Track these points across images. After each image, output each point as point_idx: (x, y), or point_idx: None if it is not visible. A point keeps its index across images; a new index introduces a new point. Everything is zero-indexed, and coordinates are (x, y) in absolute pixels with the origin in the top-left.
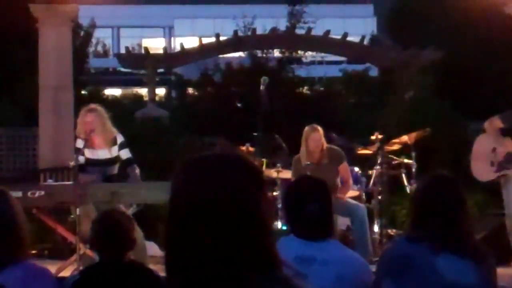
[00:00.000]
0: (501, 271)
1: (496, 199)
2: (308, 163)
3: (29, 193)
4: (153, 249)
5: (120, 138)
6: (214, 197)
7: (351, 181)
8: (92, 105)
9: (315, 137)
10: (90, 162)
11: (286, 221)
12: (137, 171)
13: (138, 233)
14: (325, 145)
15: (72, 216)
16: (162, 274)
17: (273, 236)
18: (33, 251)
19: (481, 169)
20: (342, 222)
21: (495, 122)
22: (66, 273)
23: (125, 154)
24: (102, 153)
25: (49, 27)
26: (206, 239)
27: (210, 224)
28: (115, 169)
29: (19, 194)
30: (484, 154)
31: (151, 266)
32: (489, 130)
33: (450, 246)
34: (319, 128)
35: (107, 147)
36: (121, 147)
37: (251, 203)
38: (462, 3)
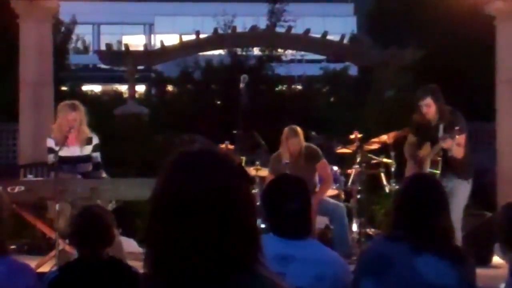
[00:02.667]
0: (480, 271)
1: (475, 199)
2: (287, 161)
3: (9, 189)
4: (131, 245)
5: (95, 140)
6: (201, 192)
7: (331, 178)
8: (75, 102)
9: (294, 142)
10: (63, 160)
11: (265, 219)
12: (104, 175)
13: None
14: (303, 144)
15: (50, 212)
16: (141, 270)
17: (258, 232)
18: (12, 246)
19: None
20: (320, 221)
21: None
22: (45, 268)
23: (96, 157)
24: (74, 150)
25: (30, 23)
26: (191, 236)
27: (196, 220)
28: (89, 167)
29: None
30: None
31: (129, 263)
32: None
33: (430, 246)
34: (299, 131)
35: (79, 145)
36: (95, 149)
37: (237, 199)
38: (443, 2)
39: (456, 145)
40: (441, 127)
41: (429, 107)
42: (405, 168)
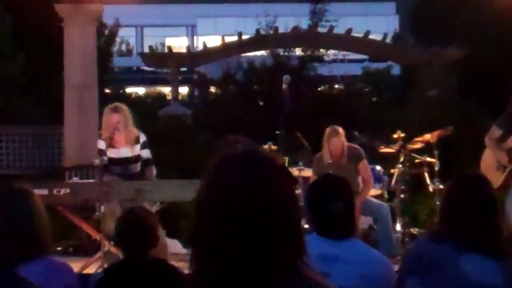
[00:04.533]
0: None
1: None
2: (330, 161)
3: (54, 191)
4: (176, 246)
5: (142, 138)
6: (246, 194)
7: (372, 180)
8: (117, 104)
9: (336, 142)
10: (112, 161)
11: (309, 219)
12: (154, 172)
13: (160, 231)
14: (346, 144)
15: (96, 214)
16: (186, 271)
17: (302, 232)
18: (58, 248)
19: (491, 177)
20: (364, 221)
21: (492, 133)
22: (90, 270)
23: (146, 154)
24: (124, 152)
25: (74, 27)
26: (236, 237)
27: (241, 221)
28: (138, 167)
29: (45, 191)
30: (492, 168)
31: (174, 264)
32: (488, 144)
33: (474, 245)
34: (340, 131)
35: (128, 145)
36: (143, 146)
37: (281, 199)
38: (485, 0)
39: None
40: None
41: None
42: (448, 167)
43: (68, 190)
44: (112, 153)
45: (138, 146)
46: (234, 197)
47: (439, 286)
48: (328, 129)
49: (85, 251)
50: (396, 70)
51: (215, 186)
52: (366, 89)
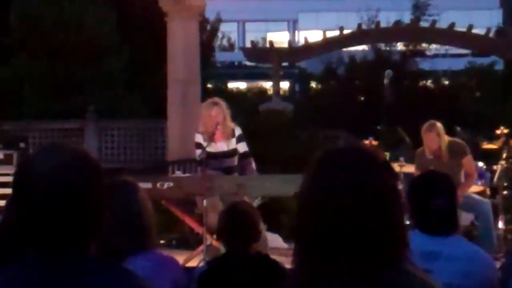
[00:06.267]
0: None
1: None
2: (432, 157)
3: (158, 184)
4: (276, 241)
5: (238, 131)
6: (348, 189)
7: (475, 175)
8: (215, 99)
9: (430, 137)
10: (210, 155)
11: (411, 215)
12: (253, 164)
13: (262, 225)
14: (446, 139)
15: (199, 208)
16: (287, 266)
17: (405, 229)
18: (161, 241)
19: None
20: (466, 218)
21: None
22: (193, 263)
23: (242, 147)
24: (221, 146)
25: (177, 22)
26: (339, 232)
27: (343, 217)
28: (235, 161)
29: (149, 185)
30: None
31: (275, 258)
32: None
33: None
34: (436, 126)
35: (225, 140)
36: (239, 140)
37: (384, 195)
38: None
39: None
40: None
41: None
42: None
43: (171, 184)
44: (210, 148)
45: (234, 140)
46: (337, 193)
47: None
48: (424, 125)
49: (187, 245)
50: (499, 65)
51: (318, 181)
52: (469, 84)
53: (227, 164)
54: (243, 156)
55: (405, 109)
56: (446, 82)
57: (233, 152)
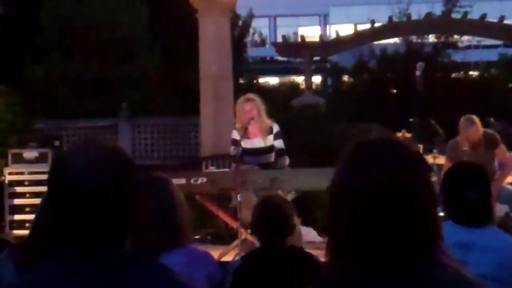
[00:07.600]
0: None
1: None
2: (465, 148)
3: (192, 180)
4: (311, 235)
5: (276, 128)
6: (381, 181)
7: (511, 165)
8: (250, 94)
9: (472, 131)
10: (246, 152)
11: (445, 206)
12: (287, 162)
13: (296, 219)
14: (482, 131)
15: (233, 202)
16: (321, 259)
17: (438, 220)
18: (196, 236)
19: None
20: (500, 209)
21: None
22: (228, 258)
23: (279, 144)
24: (257, 142)
25: (209, 18)
26: (373, 225)
27: (377, 209)
28: (272, 158)
29: (182, 181)
30: None
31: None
32: None
33: None
34: (475, 119)
35: (262, 136)
36: (276, 136)
37: (418, 187)
38: None
39: None
40: None
41: None
42: None
43: (205, 180)
44: (246, 144)
45: (271, 137)
46: (370, 185)
47: None
48: (462, 120)
49: (222, 239)
50: None
51: (350, 174)
52: (502, 76)
53: (264, 160)
54: (279, 153)
55: (437, 101)
56: (478, 73)
57: (270, 148)
